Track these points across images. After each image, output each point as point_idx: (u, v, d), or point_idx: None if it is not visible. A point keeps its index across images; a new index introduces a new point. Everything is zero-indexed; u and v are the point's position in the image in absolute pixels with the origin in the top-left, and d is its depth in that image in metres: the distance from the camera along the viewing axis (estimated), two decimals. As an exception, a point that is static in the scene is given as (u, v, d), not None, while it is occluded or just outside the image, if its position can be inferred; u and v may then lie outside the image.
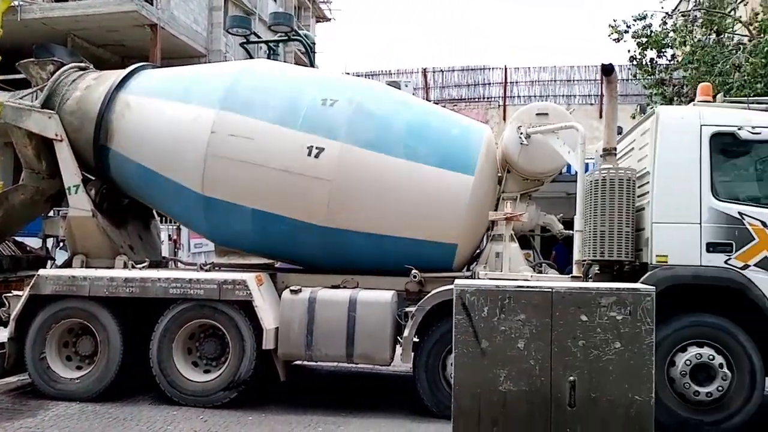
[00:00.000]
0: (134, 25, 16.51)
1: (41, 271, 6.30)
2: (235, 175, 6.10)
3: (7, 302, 6.43)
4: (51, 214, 7.51)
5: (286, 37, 15.45)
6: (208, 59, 19.09)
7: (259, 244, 6.47)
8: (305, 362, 6.76)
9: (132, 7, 15.79)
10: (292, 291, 5.95)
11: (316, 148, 6.00)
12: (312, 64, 15.28)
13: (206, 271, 6.37)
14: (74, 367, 6.17)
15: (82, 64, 7.43)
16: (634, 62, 13.64)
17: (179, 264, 7.80)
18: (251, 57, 15.20)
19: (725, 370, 5.25)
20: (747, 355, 5.28)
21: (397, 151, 6.09)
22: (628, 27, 13.32)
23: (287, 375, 6.06)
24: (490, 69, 19.38)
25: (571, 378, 3.73)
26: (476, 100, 18.86)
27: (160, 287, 5.94)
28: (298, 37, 15.11)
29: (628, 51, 13.57)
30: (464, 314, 3.96)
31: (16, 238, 7.78)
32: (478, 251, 6.62)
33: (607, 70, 6.23)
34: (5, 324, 6.33)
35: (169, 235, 11.75)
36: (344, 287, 6.09)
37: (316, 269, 6.44)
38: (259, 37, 15.82)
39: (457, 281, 4.07)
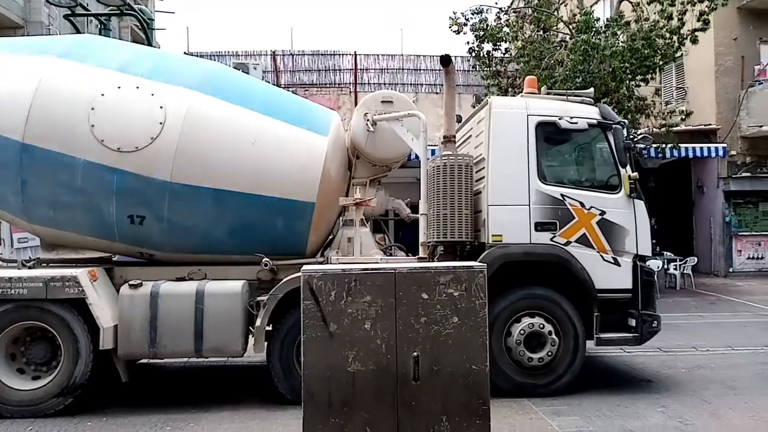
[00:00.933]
0: (-70, -13, 14.25)
1: None
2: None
3: None
4: None
5: (118, 12, 14.25)
6: (27, 30, 17.02)
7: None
8: (151, 360, 6.40)
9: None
10: (131, 285, 5.58)
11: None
12: (150, 42, 14.27)
13: (29, 268, 5.75)
14: None
15: None
16: (473, 54, 14.49)
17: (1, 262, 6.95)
18: (78, 31, 13.84)
19: (553, 336, 5.87)
20: (571, 323, 5.94)
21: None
22: (467, 20, 14.11)
23: (130, 376, 5.69)
24: (340, 55, 19.46)
25: (415, 353, 3.92)
26: (327, 86, 18.86)
27: (-27, 289, 5.26)
28: (132, 12, 14.01)
29: (467, 43, 14.36)
30: (312, 299, 3.98)
31: None
32: (330, 237, 6.69)
33: (445, 61, 6.57)
34: None
35: (-13, 230, 10.39)
36: (191, 279, 5.84)
37: (159, 261, 6.08)
38: (86, 9, 14.42)
39: (304, 267, 4.07)
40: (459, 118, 7.53)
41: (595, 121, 6.24)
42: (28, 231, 6.44)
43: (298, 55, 19.74)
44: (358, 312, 3.98)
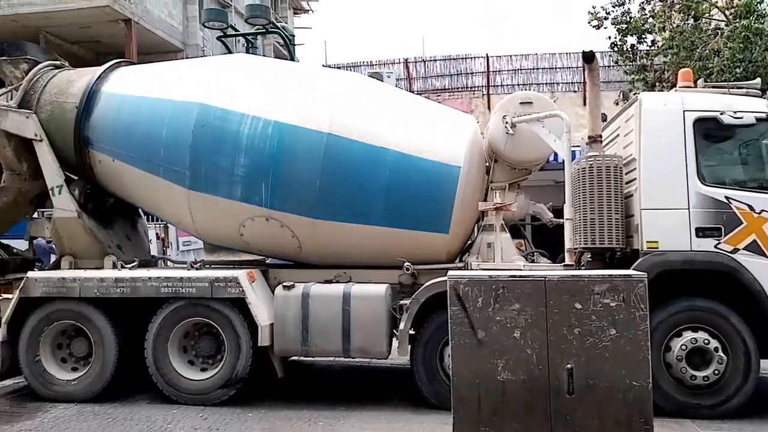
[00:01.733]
0: (108, 21, 16.22)
1: (30, 274, 6.22)
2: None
3: (-4, 307, 6.34)
4: (36, 215, 7.37)
5: (263, 30, 15.27)
6: (186, 54, 18.82)
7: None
8: (301, 358, 6.77)
9: (105, 2, 15.49)
10: (285, 287, 5.95)
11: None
12: (292, 57, 15.14)
13: (197, 269, 6.33)
14: (70, 368, 6.14)
15: (57, 62, 7.30)
16: (615, 49, 13.74)
17: (169, 263, 7.73)
18: (229, 51, 15.03)
19: (720, 353, 5.35)
20: (741, 338, 5.38)
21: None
22: (608, 13, 13.41)
23: (284, 371, 6.06)
24: (472, 58, 19.36)
25: (569, 366, 3.78)
26: (460, 89, 18.84)
27: (151, 287, 5.90)
28: (276, 30, 14.94)
29: (609, 38, 13.66)
30: (459, 305, 3.98)
31: (2, 241, 7.64)
32: (469, 242, 6.66)
33: (588, 57, 6.28)
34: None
35: (157, 234, 11.62)
36: (337, 282, 6.10)
37: (309, 264, 6.43)
38: (236, 30, 15.63)
39: (450, 272, 4.09)
40: (604, 117, 7.16)
41: (764, 115, 5.64)
42: (193, 235, 7.13)
43: (430, 61, 19.93)
44: (506, 320, 3.92)
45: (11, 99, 6.80)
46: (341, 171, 5.91)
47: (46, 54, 7.53)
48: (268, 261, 6.96)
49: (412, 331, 5.80)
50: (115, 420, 5.42)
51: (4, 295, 6.42)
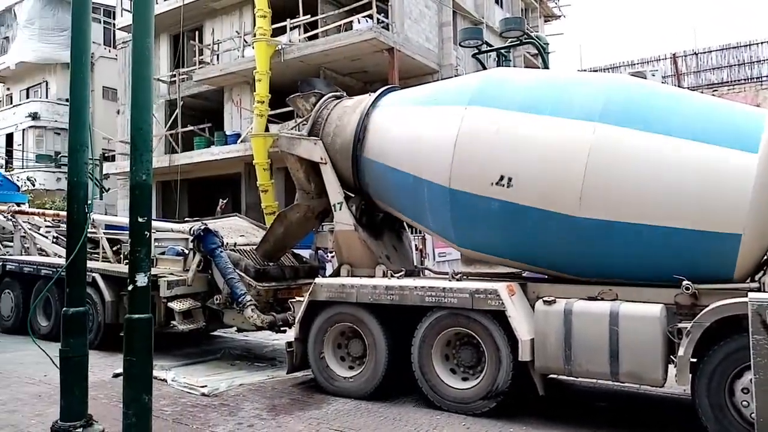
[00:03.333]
0: (374, 51, 17.96)
1: (317, 280, 7.13)
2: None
3: (292, 307, 7.44)
4: (320, 229, 8.44)
5: (517, 42, 15.29)
6: (441, 74, 19.85)
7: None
8: (560, 376, 6.50)
9: (371, 35, 17.21)
10: (545, 302, 5.78)
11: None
12: (546, 66, 14.86)
13: (457, 280, 6.53)
14: (347, 366, 6.82)
15: (338, 93, 8.26)
16: None
17: (429, 273, 8.15)
18: (484, 67, 15.35)
19: None
20: None
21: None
22: None
23: (546, 389, 5.88)
24: (758, 44, 16.64)
25: None
26: (742, 82, 16.33)
27: (416, 295, 6.26)
28: (531, 40, 14.84)
29: None
30: (765, 334, 3.40)
31: (294, 251, 8.94)
32: (765, 257, 5.67)
33: None
34: (291, 325, 7.29)
35: (415, 245, 12.39)
36: (601, 299, 5.72)
37: (568, 279, 6.17)
38: (490, 45, 15.94)
39: (752, 294, 3.53)
40: None
41: None
42: (454, 249, 7.38)
43: (703, 53, 17.69)
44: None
45: (300, 129, 7.94)
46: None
47: (329, 87, 8.56)
48: (525, 275, 6.87)
49: (692, 359, 5.14)
50: (386, 418, 5.85)
51: (297, 298, 7.46)
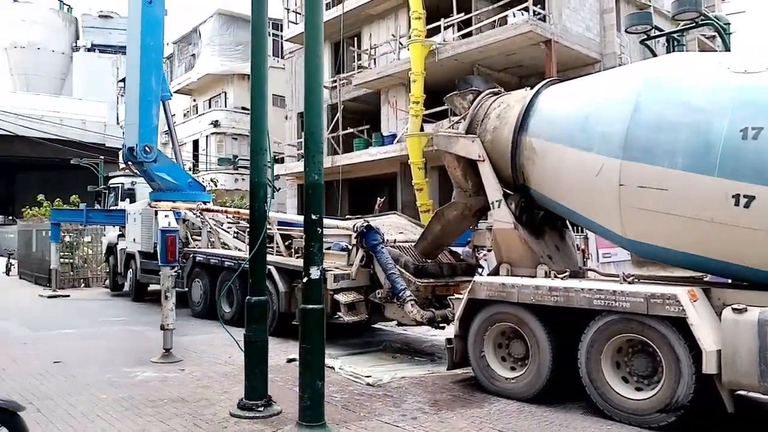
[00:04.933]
0: (530, 45, 17.46)
1: (476, 278, 7.10)
2: (653, 223, 5.73)
3: (451, 304, 7.48)
4: (478, 226, 8.38)
5: (692, 24, 13.92)
6: (603, 64, 18.74)
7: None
8: (750, 393, 5.81)
9: (527, 28, 16.75)
10: (735, 310, 5.18)
11: (744, 196, 5.12)
12: (727, 48, 13.36)
13: (629, 283, 6.10)
14: (509, 367, 6.69)
15: (495, 90, 8.11)
16: None
17: (596, 275, 7.72)
18: (654, 54, 14.21)
19: None
20: None
21: None
22: None
23: (735, 407, 5.29)
24: None
25: None
26: None
27: (583, 298, 5.95)
28: (709, 21, 13.43)
29: None
30: None
31: (451, 248, 8.99)
32: None
33: None
34: (449, 322, 7.34)
35: (577, 245, 11.81)
36: (804, 309, 5.00)
37: (758, 285, 5.48)
38: (660, 30, 14.70)
39: None
40: None
41: None
42: (620, 247, 6.92)
43: None
44: None
45: (455, 127, 7.93)
46: None
47: (487, 84, 8.44)
48: (707, 278, 6.25)
49: None
50: (551, 423, 5.64)
51: (456, 295, 7.49)
